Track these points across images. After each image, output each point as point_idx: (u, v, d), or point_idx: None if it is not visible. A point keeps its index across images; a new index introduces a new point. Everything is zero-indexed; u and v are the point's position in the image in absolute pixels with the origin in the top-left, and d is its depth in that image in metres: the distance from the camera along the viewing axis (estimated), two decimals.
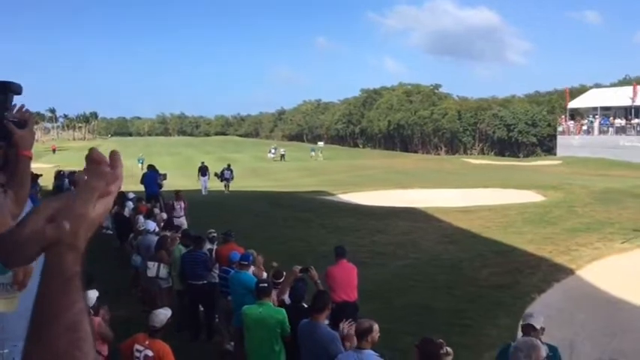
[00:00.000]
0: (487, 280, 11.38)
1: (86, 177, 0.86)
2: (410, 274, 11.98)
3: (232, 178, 28.37)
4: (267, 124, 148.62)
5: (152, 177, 16.98)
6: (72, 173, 19.23)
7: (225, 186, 28.03)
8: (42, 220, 0.81)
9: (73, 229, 0.81)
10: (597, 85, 67.40)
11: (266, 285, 6.14)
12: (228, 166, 28.98)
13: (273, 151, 62.06)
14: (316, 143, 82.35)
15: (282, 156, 59.73)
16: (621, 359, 3.47)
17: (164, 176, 17.74)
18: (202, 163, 28.95)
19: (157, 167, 18.05)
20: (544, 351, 3.75)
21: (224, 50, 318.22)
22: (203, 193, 26.63)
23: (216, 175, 28.12)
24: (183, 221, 14.17)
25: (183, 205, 15.11)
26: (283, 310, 5.90)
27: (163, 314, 5.43)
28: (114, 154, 0.90)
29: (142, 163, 39.26)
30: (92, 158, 0.87)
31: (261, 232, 15.19)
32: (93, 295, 5.66)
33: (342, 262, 7.93)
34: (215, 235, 10.13)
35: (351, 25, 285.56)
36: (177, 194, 15.61)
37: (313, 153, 63.76)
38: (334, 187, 28.53)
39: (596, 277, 11.40)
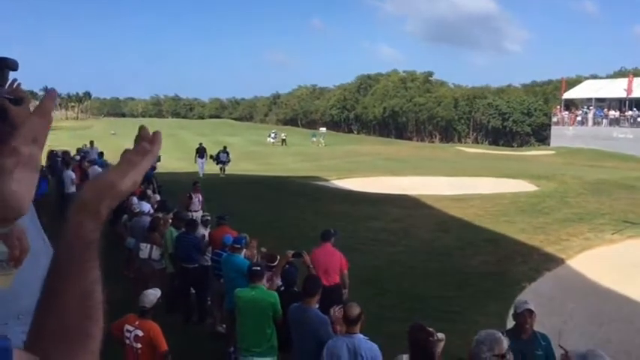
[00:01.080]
0: (478, 268, 11.48)
1: (129, 152, 0.88)
2: (402, 261, 12.05)
3: (229, 161, 27.56)
4: (261, 108, 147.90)
5: None
6: (65, 153, 19.10)
7: (220, 169, 27.14)
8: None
9: (100, 198, 0.82)
10: (593, 76, 67.53)
11: (259, 268, 6.17)
12: (224, 148, 28.07)
13: (273, 135, 60.19)
14: (317, 129, 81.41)
15: (284, 140, 58.78)
16: (600, 350, 3.49)
17: (158, 158, 17.66)
18: (200, 144, 28.03)
19: None
20: (506, 343, 3.78)
21: (218, 32, 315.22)
22: (200, 175, 25.71)
23: (211, 157, 27.31)
24: (199, 216, 11.93)
25: (200, 197, 13.68)
26: (275, 294, 5.93)
27: (153, 294, 5.46)
28: (156, 134, 0.93)
29: None
30: (141, 136, 0.91)
31: (255, 216, 15.20)
32: None
33: (325, 246, 7.76)
34: (209, 218, 10.13)
35: (349, 9, 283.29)
36: (195, 186, 14.15)
37: (314, 139, 62.52)
38: (328, 172, 28.54)
39: (586, 267, 11.52)
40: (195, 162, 26.97)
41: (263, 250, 7.83)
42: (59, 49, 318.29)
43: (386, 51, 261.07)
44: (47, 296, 0.78)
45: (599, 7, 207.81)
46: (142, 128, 0.93)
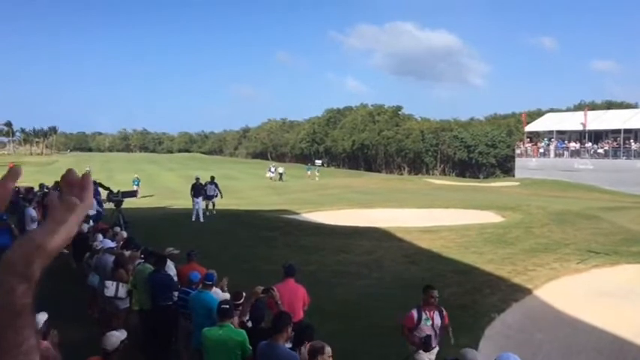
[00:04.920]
0: (448, 300, 11.44)
1: (56, 207, 0.82)
2: (372, 294, 12.01)
3: (216, 195, 22.57)
4: (231, 141, 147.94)
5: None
6: (28, 190, 18.65)
7: (207, 206, 22.25)
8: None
9: (29, 259, 0.76)
10: (553, 110, 69.90)
11: (227, 306, 6.06)
12: (212, 179, 22.71)
13: (272, 169, 59.37)
14: (313, 162, 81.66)
15: (281, 175, 58.30)
16: None
17: (133, 193, 17.42)
18: (197, 179, 21.91)
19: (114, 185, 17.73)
20: None
21: (187, 66, 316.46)
22: (193, 219, 21.04)
23: None
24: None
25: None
26: (244, 332, 5.82)
27: (116, 336, 5.29)
28: (84, 177, 0.87)
29: (137, 184, 37.00)
30: (66, 180, 0.85)
31: (224, 252, 15.00)
32: (41, 317, 5.46)
33: (288, 281, 7.65)
34: (176, 252, 9.91)
35: (313, 42, 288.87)
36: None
37: (309, 172, 63.09)
38: (298, 205, 28.46)
39: (553, 297, 11.67)
40: (192, 201, 21.59)
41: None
42: (24, 83, 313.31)
43: (353, 84, 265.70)
44: None
45: (557, 43, 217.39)
46: (68, 171, 0.87)
